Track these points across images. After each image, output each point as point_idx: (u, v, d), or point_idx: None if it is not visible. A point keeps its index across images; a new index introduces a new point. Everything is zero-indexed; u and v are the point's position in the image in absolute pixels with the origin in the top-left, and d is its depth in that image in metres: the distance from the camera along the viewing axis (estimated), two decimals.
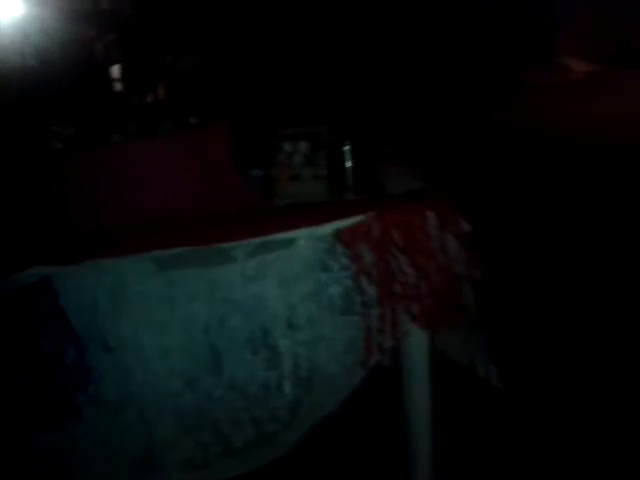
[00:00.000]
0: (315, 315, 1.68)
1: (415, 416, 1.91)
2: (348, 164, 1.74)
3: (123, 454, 1.66)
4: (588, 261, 3.46)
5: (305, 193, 1.77)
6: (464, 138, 5.83)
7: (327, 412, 1.80)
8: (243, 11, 7.03)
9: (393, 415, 1.96)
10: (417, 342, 1.83)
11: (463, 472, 2.05)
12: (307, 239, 1.61)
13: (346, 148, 1.74)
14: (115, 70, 3.71)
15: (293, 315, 1.68)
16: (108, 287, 1.53)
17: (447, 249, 1.69)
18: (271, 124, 1.94)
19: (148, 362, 1.63)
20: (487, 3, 8.89)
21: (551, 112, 6.63)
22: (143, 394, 1.65)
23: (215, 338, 1.66)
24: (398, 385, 1.91)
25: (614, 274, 3.29)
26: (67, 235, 1.54)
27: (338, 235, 1.62)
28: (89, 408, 1.57)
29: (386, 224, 1.61)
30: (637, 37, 9.55)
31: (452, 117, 6.60)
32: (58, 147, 1.74)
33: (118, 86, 3.64)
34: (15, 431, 1.55)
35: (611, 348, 2.63)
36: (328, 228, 1.61)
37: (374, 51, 7.83)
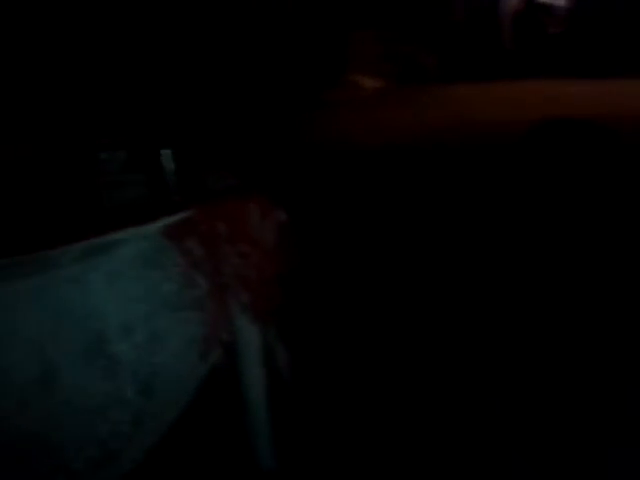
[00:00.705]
0: (150, 315, 1.69)
1: (253, 404, 1.97)
2: (170, 167, 1.79)
3: None
4: (388, 256, 3.77)
5: (128, 198, 1.78)
6: (277, 148, 6.19)
7: (170, 419, 1.81)
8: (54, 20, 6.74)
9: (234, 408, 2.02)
10: (250, 333, 1.91)
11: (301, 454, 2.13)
12: (134, 239, 1.63)
13: (166, 152, 1.79)
14: None
15: (127, 318, 1.67)
16: None
17: (268, 238, 1.80)
18: (89, 133, 1.93)
19: None
20: (288, 30, 9.48)
21: (344, 124, 7.33)
22: None
23: (48, 352, 1.60)
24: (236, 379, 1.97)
25: (416, 266, 3.61)
26: None
27: (166, 232, 1.66)
28: None
29: (211, 217, 1.68)
30: (420, 55, 10.71)
31: (266, 131, 6.99)
32: None
33: None
34: None
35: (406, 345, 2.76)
36: (155, 226, 1.64)
37: (196, 65, 7.98)
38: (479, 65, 10.52)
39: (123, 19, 7.33)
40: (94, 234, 1.58)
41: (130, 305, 1.67)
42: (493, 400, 2.20)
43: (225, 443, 2.13)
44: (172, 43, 7.76)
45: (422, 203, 4.53)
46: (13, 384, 1.58)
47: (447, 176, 5.06)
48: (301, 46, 9.47)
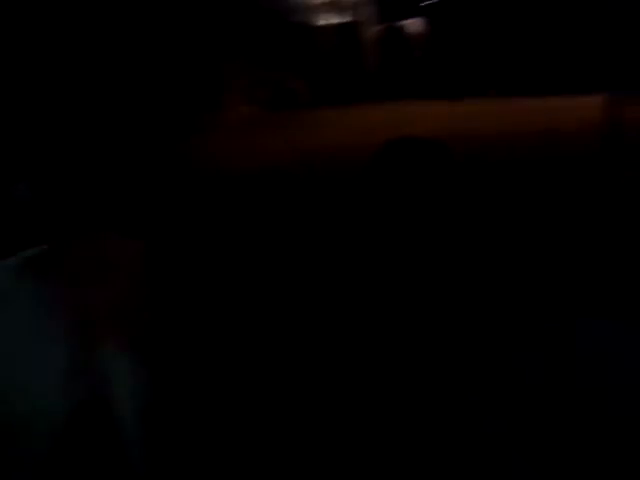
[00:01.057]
0: (12, 352, 1.65)
1: (127, 429, 1.96)
2: (27, 199, 1.80)
3: None
4: (258, 278, 3.86)
5: None
6: (152, 172, 6.19)
7: (42, 453, 1.78)
8: None
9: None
10: (117, 362, 1.92)
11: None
12: None
13: (22, 184, 1.80)
14: None
15: None
16: None
17: (131, 267, 1.84)
18: None
19: None
20: (165, 59, 9.58)
21: (219, 148, 7.52)
22: None
23: None
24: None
25: (286, 287, 3.71)
26: None
27: (24, 266, 1.67)
28: None
29: (72, 249, 1.71)
30: (289, 81, 11.13)
31: (142, 155, 6.97)
32: None
33: None
34: None
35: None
36: (13, 260, 1.65)
37: (65, 94, 7.78)
38: (345, 90, 11.07)
39: None
40: None
41: None
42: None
43: (103, 466, 2.13)
44: (39, 64, 7.54)
45: (294, 225, 4.71)
46: None
47: (315, 199, 5.31)
48: (177, 75, 9.58)
